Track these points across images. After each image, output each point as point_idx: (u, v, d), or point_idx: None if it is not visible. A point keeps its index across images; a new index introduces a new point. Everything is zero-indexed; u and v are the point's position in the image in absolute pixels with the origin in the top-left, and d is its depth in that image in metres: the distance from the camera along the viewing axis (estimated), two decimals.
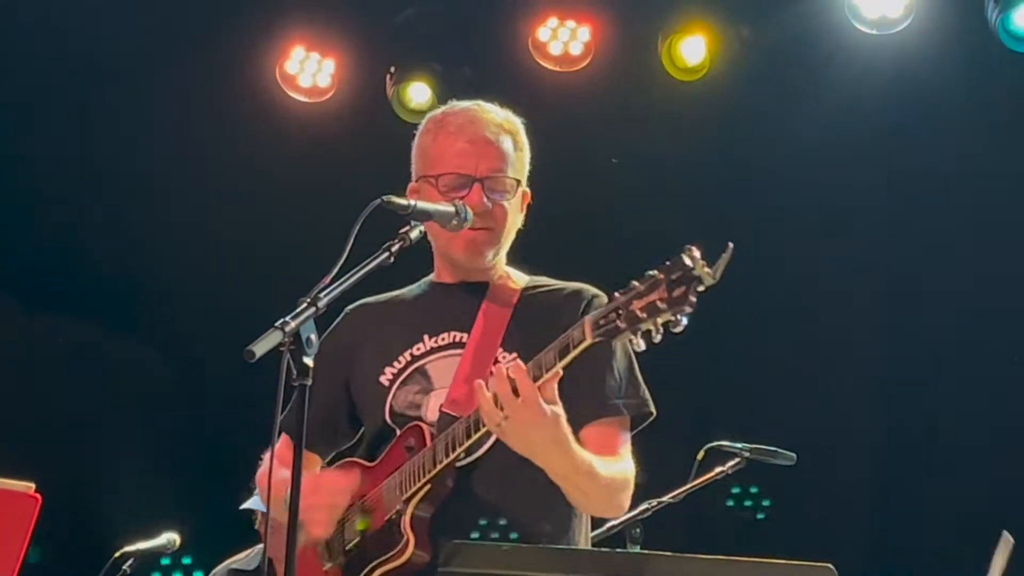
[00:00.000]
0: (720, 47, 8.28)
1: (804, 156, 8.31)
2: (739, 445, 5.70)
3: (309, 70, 8.80)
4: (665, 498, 5.57)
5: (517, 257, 4.30)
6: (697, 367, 7.11)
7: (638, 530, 5.47)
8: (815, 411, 8.02)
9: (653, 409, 4.12)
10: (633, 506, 4.44)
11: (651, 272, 3.61)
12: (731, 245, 3.55)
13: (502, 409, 3.70)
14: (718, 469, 5.72)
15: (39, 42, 8.31)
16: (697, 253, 3.57)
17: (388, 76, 8.70)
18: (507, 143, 4.18)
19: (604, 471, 3.94)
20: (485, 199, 4.07)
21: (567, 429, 3.79)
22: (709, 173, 8.58)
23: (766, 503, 7.85)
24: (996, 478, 8.05)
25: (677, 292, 3.54)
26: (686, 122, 8.45)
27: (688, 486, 5.66)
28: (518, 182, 4.17)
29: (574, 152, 7.73)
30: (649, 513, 5.53)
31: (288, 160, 8.73)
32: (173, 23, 8.54)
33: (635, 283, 3.63)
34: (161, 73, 8.62)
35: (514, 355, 4.03)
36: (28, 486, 3.93)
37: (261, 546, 7.24)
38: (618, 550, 4.04)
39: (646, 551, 3.93)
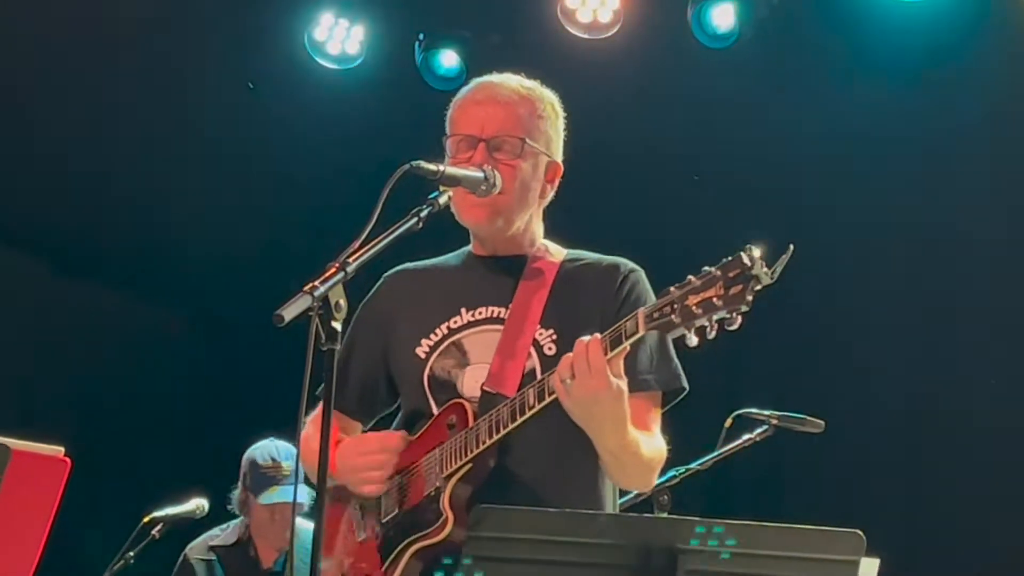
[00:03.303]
0: (751, 12, 8.26)
1: (837, 125, 8.28)
2: (767, 412, 5.69)
3: (338, 37, 8.80)
4: (693, 465, 5.56)
5: (551, 227, 4.29)
6: (726, 334, 7.10)
7: (665, 497, 5.47)
8: (845, 378, 8.00)
9: (685, 384, 4.11)
10: (660, 473, 4.44)
11: (708, 268, 3.62)
12: (792, 247, 3.53)
13: (574, 372, 3.70)
14: (746, 436, 5.70)
15: (73, 9, 8.32)
16: (757, 252, 3.56)
17: (417, 43, 8.71)
18: (522, 108, 4.16)
19: (646, 451, 3.95)
20: (487, 162, 4.05)
21: (627, 407, 3.79)
22: (739, 142, 8.55)
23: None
24: None
25: (734, 290, 3.54)
26: (715, 90, 8.44)
27: (716, 453, 5.65)
28: (528, 144, 4.12)
29: (602, 119, 7.70)
30: (677, 480, 5.52)
31: (317, 127, 8.74)
32: (193, 5, 8.57)
33: (691, 278, 3.63)
34: (192, 40, 8.64)
35: (551, 331, 4.04)
36: (57, 450, 3.95)
37: (236, 522, 7.27)
38: (646, 515, 4.04)
39: (673, 516, 3.93)
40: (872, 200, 8.36)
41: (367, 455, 4.04)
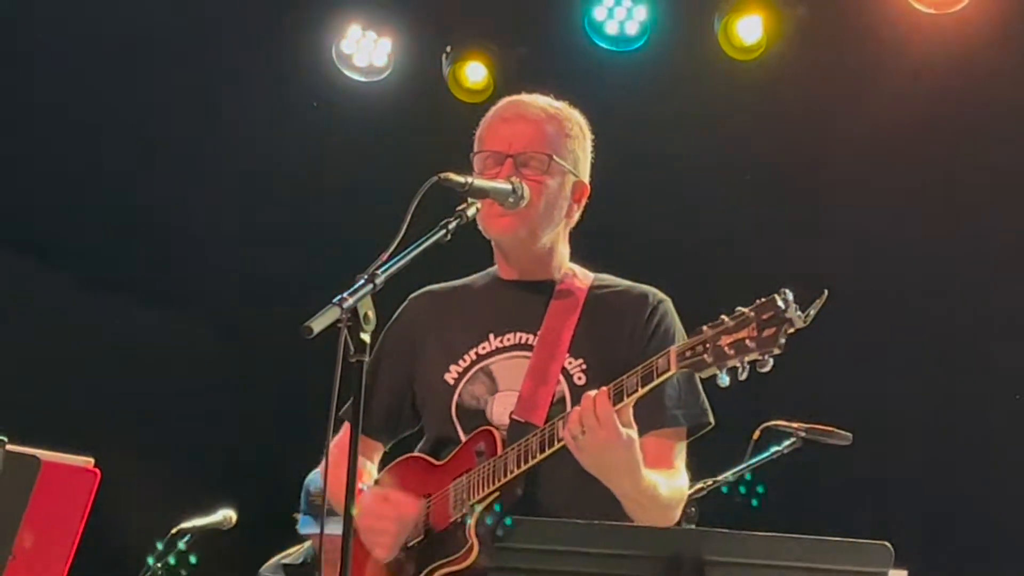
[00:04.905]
0: (778, 26, 8.27)
1: (857, 138, 8.28)
2: (795, 425, 5.69)
3: (365, 49, 8.83)
4: (720, 477, 5.56)
5: (579, 247, 4.29)
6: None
7: (693, 509, 5.46)
8: (873, 391, 7.98)
9: (711, 419, 4.12)
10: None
11: (741, 309, 3.62)
12: (826, 292, 3.52)
13: (583, 427, 3.73)
14: (774, 449, 5.70)
15: (109, 27, 8.36)
16: (791, 296, 3.56)
17: (444, 55, 8.72)
18: (550, 126, 4.17)
19: (665, 492, 3.96)
20: (514, 175, 4.06)
21: (639, 455, 3.81)
22: (767, 152, 8.54)
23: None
24: None
25: (767, 332, 3.55)
26: (742, 102, 8.44)
27: (743, 466, 5.65)
28: (555, 161, 4.13)
29: (629, 133, 7.70)
30: (704, 492, 5.52)
31: (345, 138, 8.76)
32: (234, 4, 8.58)
33: (724, 317, 3.64)
34: (222, 55, 8.67)
35: (581, 361, 4.06)
36: (87, 461, 3.97)
37: (308, 543, 7.28)
38: (673, 527, 4.04)
39: (701, 527, 3.93)
40: (896, 208, 8.35)
41: (383, 520, 4.06)
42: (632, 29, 8.51)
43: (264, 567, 7.43)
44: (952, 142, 8.25)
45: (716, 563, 3.41)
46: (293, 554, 7.40)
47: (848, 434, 5.71)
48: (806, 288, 3.63)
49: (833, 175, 8.44)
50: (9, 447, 3.84)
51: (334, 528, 7.15)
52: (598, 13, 8.51)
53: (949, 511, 8.10)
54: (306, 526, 7.13)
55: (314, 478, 7.16)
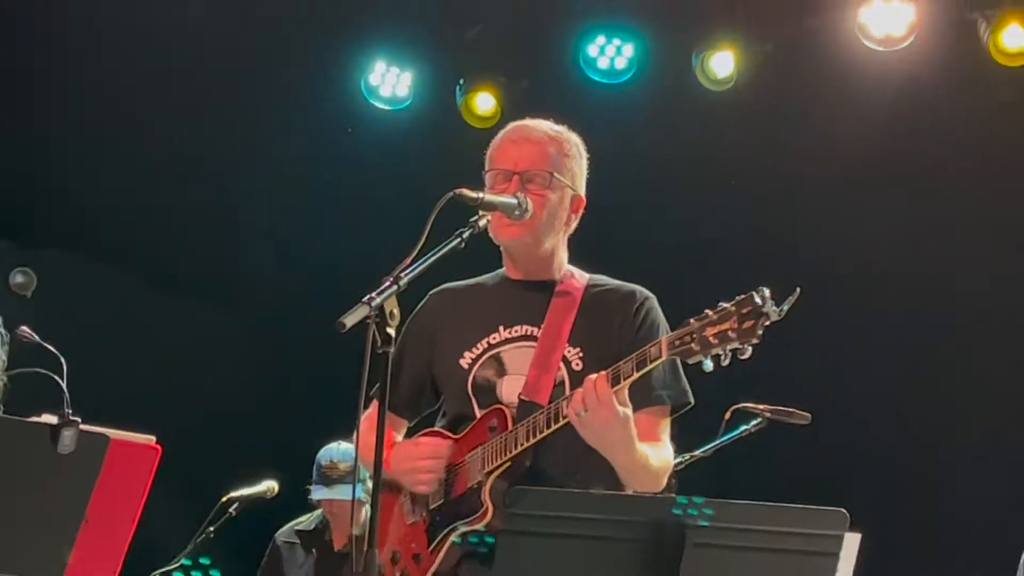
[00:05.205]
0: (747, 61, 8.28)
1: (818, 157, 8.29)
2: (761, 407, 5.68)
3: (389, 82, 8.85)
4: (697, 452, 5.55)
5: (576, 251, 4.29)
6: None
7: (673, 480, 5.45)
8: (832, 377, 7.97)
9: (691, 400, 4.12)
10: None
11: (723, 304, 3.65)
12: (798, 290, 3.57)
13: (585, 406, 3.75)
14: (743, 427, 5.69)
15: (171, 61, 8.38)
16: (767, 293, 3.60)
17: (458, 87, 8.73)
18: (552, 147, 4.16)
19: (654, 462, 3.97)
20: (520, 191, 4.06)
21: (634, 430, 3.83)
22: (736, 172, 8.55)
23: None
24: (1008, 443, 7.99)
25: (746, 325, 3.59)
26: (715, 125, 8.45)
27: (717, 442, 5.64)
28: (555, 178, 4.12)
29: (619, 152, 7.71)
30: (683, 466, 5.51)
31: (372, 158, 8.77)
32: (277, 45, 8.62)
33: (708, 312, 3.67)
34: (269, 85, 8.74)
35: (578, 349, 4.07)
36: (149, 439, 3.96)
37: (319, 511, 7.28)
38: (657, 495, 4.04)
39: (677, 497, 3.93)
40: (854, 215, 8.36)
41: (422, 460, 4.06)
42: (620, 64, 8.52)
43: (279, 532, 7.42)
44: (897, 158, 8.27)
45: (694, 527, 3.41)
46: (305, 521, 7.40)
47: (807, 415, 5.70)
48: (779, 286, 3.65)
49: (799, 186, 8.43)
50: (82, 427, 3.84)
51: (343, 493, 7.20)
52: (591, 50, 8.52)
53: (897, 482, 8.09)
54: (317, 493, 7.14)
55: (324, 453, 7.17)
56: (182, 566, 6.32)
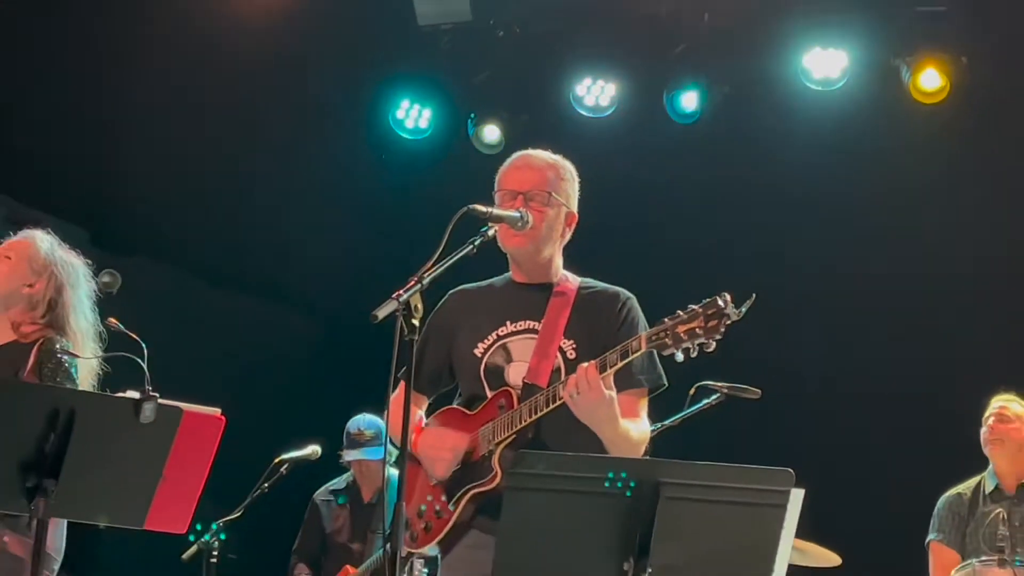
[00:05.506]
0: (709, 98, 8.29)
1: (772, 183, 8.32)
2: (719, 384, 5.66)
3: (412, 116, 8.86)
4: (667, 422, 5.53)
5: (569, 259, 4.29)
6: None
7: (649, 446, 5.44)
8: (777, 360, 7.96)
9: (665, 382, 4.11)
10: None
11: (692, 306, 3.68)
12: (755, 295, 3.61)
13: (578, 389, 3.76)
14: (704, 401, 5.68)
15: (244, 95, 8.41)
16: (728, 297, 3.64)
17: (470, 120, 8.74)
18: (550, 171, 4.15)
19: (634, 435, 3.96)
20: (523, 207, 4.06)
21: (618, 409, 3.83)
22: (701, 188, 8.57)
23: None
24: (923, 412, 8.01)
25: (711, 323, 3.62)
26: (682, 153, 8.46)
27: (683, 413, 5.62)
28: (552, 197, 4.11)
29: (602, 176, 7.70)
30: (656, 433, 5.49)
31: (399, 179, 8.79)
32: (326, 86, 8.71)
33: (680, 312, 3.70)
34: (317, 119, 8.78)
35: (572, 341, 4.06)
36: (215, 410, 3.97)
37: (349, 472, 7.29)
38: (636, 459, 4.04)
39: (653, 459, 3.93)
40: (807, 225, 8.39)
41: (442, 450, 4.04)
42: (604, 101, 8.52)
43: (316, 493, 7.43)
44: (834, 179, 8.28)
45: (667, 483, 3.42)
46: (337, 482, 7.41)
47: (757, 391, 5.69)
48: (738, 290, 3.66)
49: (754, 204, 8.45)
50: (160, 401, 3.85)
51: (369, 455, 7.21)
52: (579, 90, 8.53)
53: (834, 444, 8.09)
54: (348, 455, 7.18)
55: (352, 423, 7.21)
56: (213, 531, 6.22)
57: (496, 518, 3.57)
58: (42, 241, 4.91)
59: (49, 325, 4.79)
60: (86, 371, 4.73)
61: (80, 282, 4.89)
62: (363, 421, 7.17)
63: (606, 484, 3.39)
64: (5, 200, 8.21)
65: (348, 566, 6.99)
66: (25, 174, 8.19)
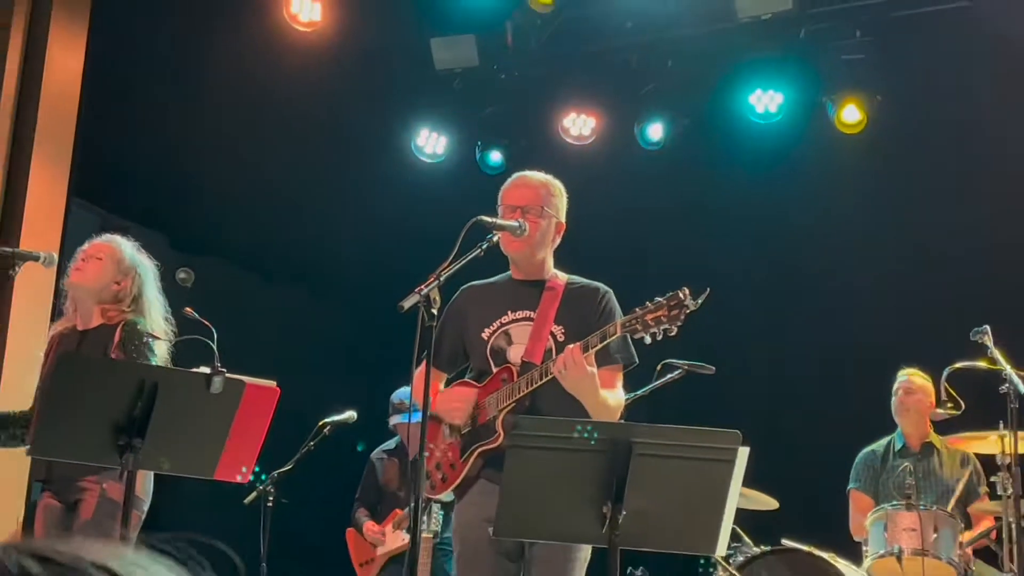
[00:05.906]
0: (672, 130, 8.29)
1: (725, 202, 8.30)
2: (681, 361, 5.64)
3: (431, 143, 8.84)
4: (638, 393, 5.51)
5: (559, 260, 4.29)
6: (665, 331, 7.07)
7: (624, 413, 5.42)
8: (730, 341, 7.95)
9: (636, 360, 4.13)
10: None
11: (658, 298, 3.71)
12: (709, 289, 3.63)
13: (565, 366, 3.78)
14: (668, 375, 5.65)
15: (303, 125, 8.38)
16: (687, 291, 3.67)
17: (477, 146, 8.74)
18: (543, 189, 4.16)
19: (612, 403, 3.97)
20: (521, 218, 4.07)
21: (598, 382, 3.86)
22: (656, 203, 8.57)
23: None
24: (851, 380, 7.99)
25: (674, 312, 3.67)
26: (650, 175, 8.46)
27: (652, 386, 5.59)
28: (545, 210, 4.12)
29: (585, 194, 7.71)
30: (629, 402, 5.46)
31: (418, 195, 8.77)
32: (359, 116, 8.62)
33: (648, 303, 3.72)
34: (351, 143, 8.73)
35: (561, 327, 4.06)
36: (271, 383, 3.97)
37: (397, 436, 7.26)
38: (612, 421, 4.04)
39: (627, 423, 3.94)
40: (753, 234, 8.39)
41: (456, 401, 4.08)
42: (586, 131, 8.53)
43: (372, 453, 7.39)
44: (772, 198, 8.27)
45: (638, 442, 3.43)
46: (388, 443, 7.38)
47: (712, 367, 5.68)
48: (696, 285, 3.67)
49: (709, 218, 8.46)
50: (227, 375, 3.86)
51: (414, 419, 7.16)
52: (566, 122, 8.53)
53: (775, 410, 8.09)
54: (393, 420, 7.15)
55: (395, 395, 7.18)
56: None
57: (500, 470, 3.58)
58: (124, 245, 4.92)
59: (132, 312, 4.81)
60: (161, 351, 4.75)
61: (153, 280, 4.93)
62: (404, 393, 7.16)
63: (580, 435, 3.39)
64: (99, 212, 8.20)
65: (397, 509, 7.02)
66: (115, 190, 8.19)
